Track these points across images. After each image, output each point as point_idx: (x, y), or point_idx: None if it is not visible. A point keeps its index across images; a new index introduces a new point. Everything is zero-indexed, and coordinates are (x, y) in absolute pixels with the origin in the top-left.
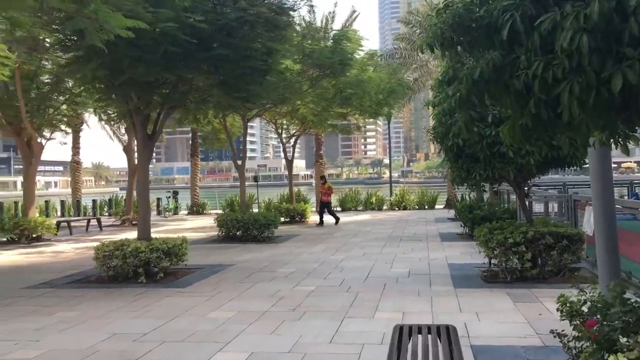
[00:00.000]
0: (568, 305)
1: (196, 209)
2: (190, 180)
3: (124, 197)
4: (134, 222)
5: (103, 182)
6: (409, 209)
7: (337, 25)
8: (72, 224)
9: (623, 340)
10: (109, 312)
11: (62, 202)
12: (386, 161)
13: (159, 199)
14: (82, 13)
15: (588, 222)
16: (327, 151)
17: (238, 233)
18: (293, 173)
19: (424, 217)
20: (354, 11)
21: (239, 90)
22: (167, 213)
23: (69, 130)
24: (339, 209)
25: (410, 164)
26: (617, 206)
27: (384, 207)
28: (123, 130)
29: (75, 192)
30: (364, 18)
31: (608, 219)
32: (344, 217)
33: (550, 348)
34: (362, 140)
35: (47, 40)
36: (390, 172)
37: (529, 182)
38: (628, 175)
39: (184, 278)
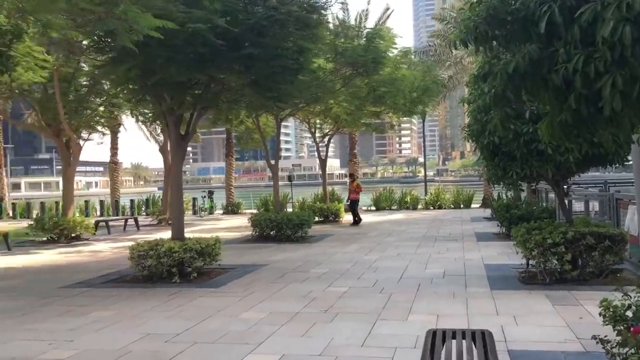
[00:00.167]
0: (611, 310)
1: (231, 209)
2: (225, 180)
3: (161, 197)
4: (170, 222)
5: (142, 182)
6: (444, 208)
7: (370, 23)
8: (110, 223)
9: None
10: (143, 312)
11: (101, 202)
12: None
13: (194, 199)
14: (112, 14)
15: (632, 222)
16: (361, 150)
17: (272, 233)
18: (327, 172)
19: (459, 217)
20: (388, 8)
21: (270, 90)
22: (203, 213)
23: (107, 131)
24: (372, 208)
25: (446, 162)
26: None
27: (419, 207)
28: (159, 131)
29: (113, 192)
30: (398, 16)
31: None
32: (378, 217)
33: (592, 354)
34: (397, 138)
35: (84, 42)
36: (425, 171)
37: (568, 180)
38: None
39: (217, 278)
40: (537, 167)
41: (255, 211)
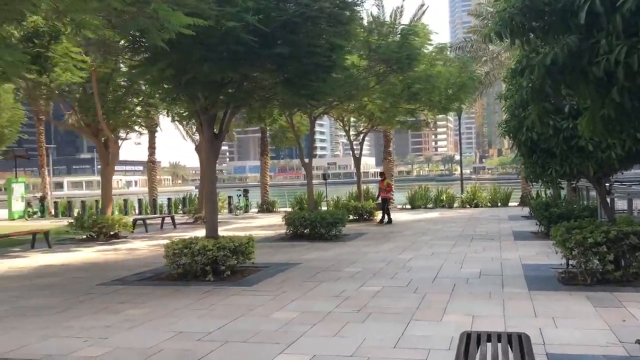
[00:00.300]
0: None
1: (266, 207)
2: (260, 179)
3: (197, 196)
4: (205, 220)
5: (179, 181)
6: (481, 207)
7: (405, 20)
8: (148, 221)
9: None
10: (176, 310)
11: (140, 201)
12: (457, 157)
13: (230, 197)
14: (144, 12)
15: None
16: (396, 148)
17: (305, 231)
18: (362, 171)
19: (496, 215)
20: (423, 4)
21: (303, 88)
22: (238, 211)
23: (144, 131)
24: (408, 206)
25: (483, 160)
26: None
27: (455, 205)
28: (195, 130)
29: (151, 190)
30: (434, 12)
31: None
32: (413, 215)
33: (636, 359)
34: (433, 136)
35: (121, 43)
36: (462, 169)
37: (610, 177)
38: None
39: (250, 276)
40: (578, 164)
41: (289, 209)
